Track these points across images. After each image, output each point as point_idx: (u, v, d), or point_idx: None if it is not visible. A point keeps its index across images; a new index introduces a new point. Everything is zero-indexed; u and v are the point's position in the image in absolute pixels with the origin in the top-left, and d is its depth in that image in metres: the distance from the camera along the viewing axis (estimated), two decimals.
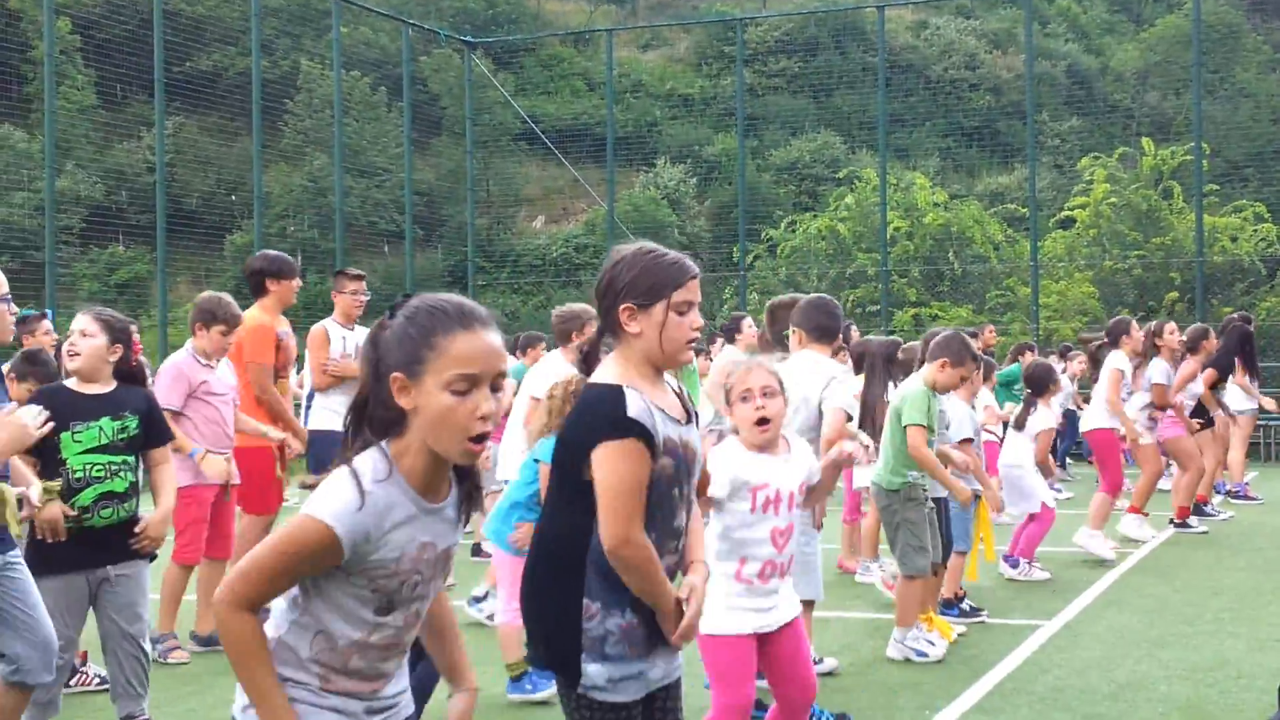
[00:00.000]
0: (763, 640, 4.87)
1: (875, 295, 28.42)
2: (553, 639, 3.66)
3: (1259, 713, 6.36)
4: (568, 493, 3.67)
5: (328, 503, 2.72)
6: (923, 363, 8.29)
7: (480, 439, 2.74)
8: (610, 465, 3.53)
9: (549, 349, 10.45)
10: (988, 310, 29.65)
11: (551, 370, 8.15)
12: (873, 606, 9.70)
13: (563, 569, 3.65)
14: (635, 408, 3.55)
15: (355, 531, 2.71)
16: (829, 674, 7.58)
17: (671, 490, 3.66)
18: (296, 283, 9.31)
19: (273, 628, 2.84)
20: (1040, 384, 11.09)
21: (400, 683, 2.98)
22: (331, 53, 27.33)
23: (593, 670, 3.59)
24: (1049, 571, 10.83)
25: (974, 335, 17.48)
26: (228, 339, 8.35)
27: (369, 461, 2.77)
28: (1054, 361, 15.65)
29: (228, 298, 8.52)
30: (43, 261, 21.49)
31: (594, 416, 3.60)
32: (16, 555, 5.48)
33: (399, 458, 2.80)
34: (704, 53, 46.58)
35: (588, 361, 3.85)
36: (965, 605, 9.21)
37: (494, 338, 2.78)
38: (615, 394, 3.58)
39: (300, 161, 35.78)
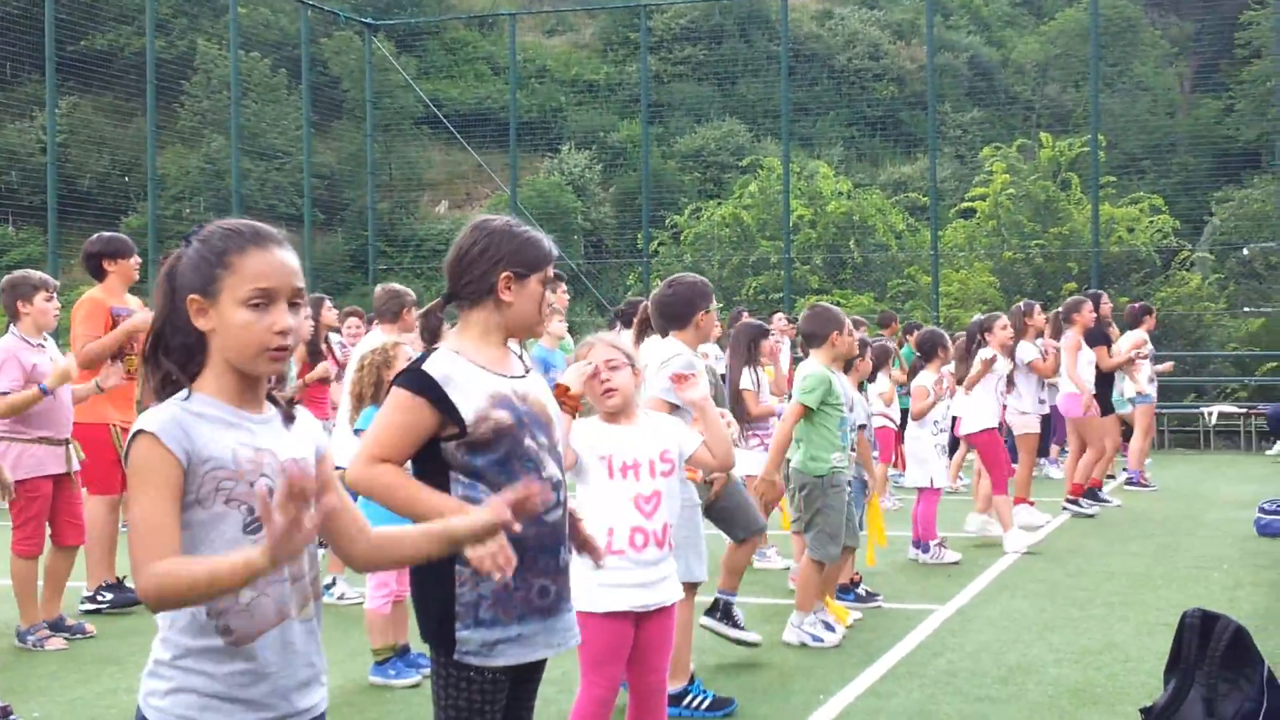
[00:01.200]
0: (636, 620, 4.79)
1: (778, 282, 28.50)
2: (430, 611, 3.71)
3: (1145, 694, 6.40)
4: (419, 463, 3.72)
5: (142, 419, 2.71)
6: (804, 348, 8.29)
7: (281, 350, 2.77)
8: (384, 407, 3.76)
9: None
10: (889, 298, 29.87)
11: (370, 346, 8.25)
12: (769, 591, 9.69)
13: None
14: (437, 366, 3.68)
15: (171, 430, 2.68)
16: (752, 644, 7.62)
17: (523, 441, 3.69)
18: (135, 261, 9.13)
19: (166, 622, 2.76)
20: (929, 348, 11.07)
21: (315, 693, 2.87)
22: (229, 33, 26.89)
23: (465, 635, 3.63)
24: (959, 553, 10.90)
25: (884, 325, 17.53)
26: (52, 302, 8.21)
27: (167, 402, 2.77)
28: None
29: (29, 270, 8.52)
30: None
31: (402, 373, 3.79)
32: None
33: (200, 389, 2.79)
34: (609, 39, 46.48)
35: (431, 329, 3.95)
36: (861, 590, 9.22)
37: (288, 255, 2.81)
38: (427, 353, 3.77)
39: (197, 143, 35.20)
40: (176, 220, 32.62)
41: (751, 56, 42.76)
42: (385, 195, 34.27)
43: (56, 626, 8.28)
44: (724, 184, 37.19)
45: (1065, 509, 13.57)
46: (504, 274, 3.76)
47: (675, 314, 6.77)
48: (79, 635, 8.30)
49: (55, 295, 8.26)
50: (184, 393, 2.76)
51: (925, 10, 29.23)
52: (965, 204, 31.80)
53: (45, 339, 8.21)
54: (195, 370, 2.79)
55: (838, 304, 29.19)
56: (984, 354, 11.80)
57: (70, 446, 8.18)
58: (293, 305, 2.79)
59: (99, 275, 9.03)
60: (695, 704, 6.47)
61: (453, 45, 44.85)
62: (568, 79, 44.12)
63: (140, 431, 2.68)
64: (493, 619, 3.64)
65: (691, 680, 6.53)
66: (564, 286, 12.41)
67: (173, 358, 2.79)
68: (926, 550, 10.85)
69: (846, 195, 32.30)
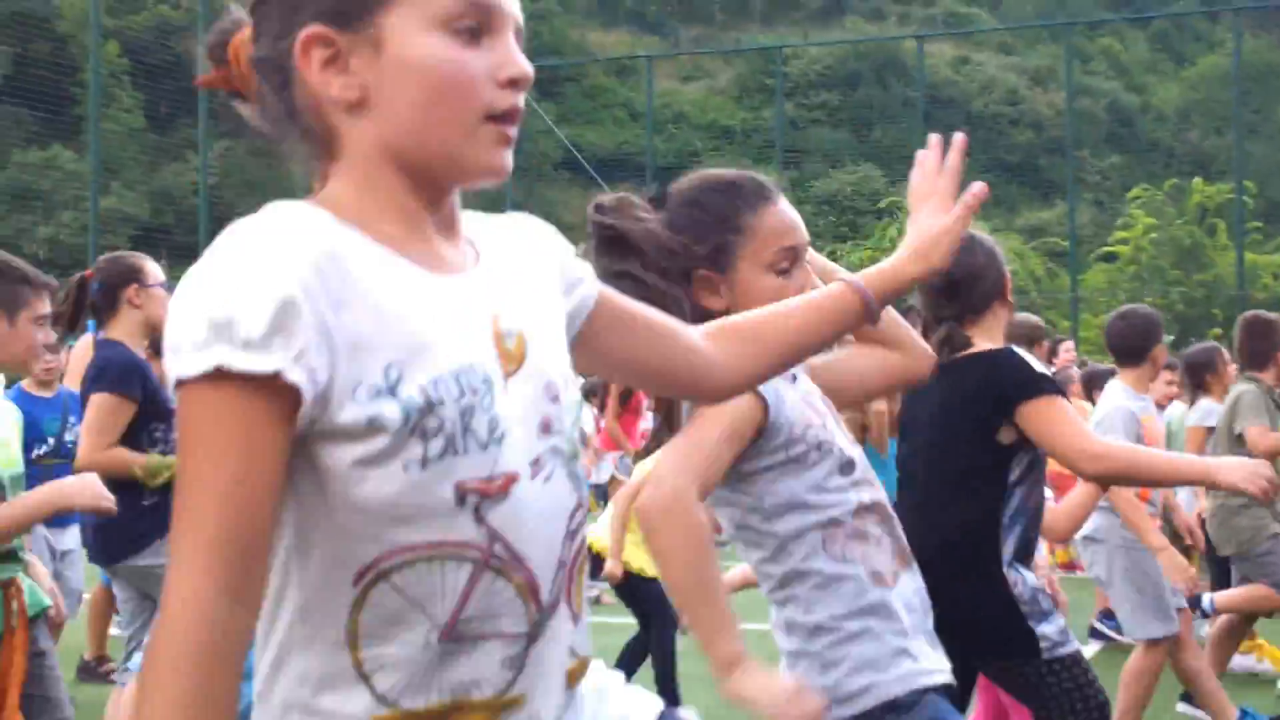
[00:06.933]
0: None
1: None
2: (994, 624, 3.45)
3: None
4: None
5: None
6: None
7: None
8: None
9: None
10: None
11: None
12: None
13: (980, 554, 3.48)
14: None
15: None
16: None
17: None
18: None
19: None
20: (1199, 373, 7.84)
21: None
22: None
23: (1043, 630, 3.41)
24: None
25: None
26: None
27: None
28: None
29: None
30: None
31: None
32: None
33: None
34: (745, 85, 46.89)
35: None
36: None
37: None
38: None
39: None
40: None
41: (887, 102, 42.85)
42: None
43: None
44: (859, 228, 37.20)
45: None
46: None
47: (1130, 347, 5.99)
48: None
49: None
50: None
51: (1063, 56, 29.07)
52: (1106, 249, 31.50)
53: None
54: None
55: None
56: None
57: None
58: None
59: None
60: None
61: (592, 91, 45.57)
62: (704, 124, 44.54)
63: None
64: (1051, 609, 3.45)
65: None
66: None
67: None
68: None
69: None
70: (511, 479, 1.43)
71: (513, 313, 1.50)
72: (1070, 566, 11.72)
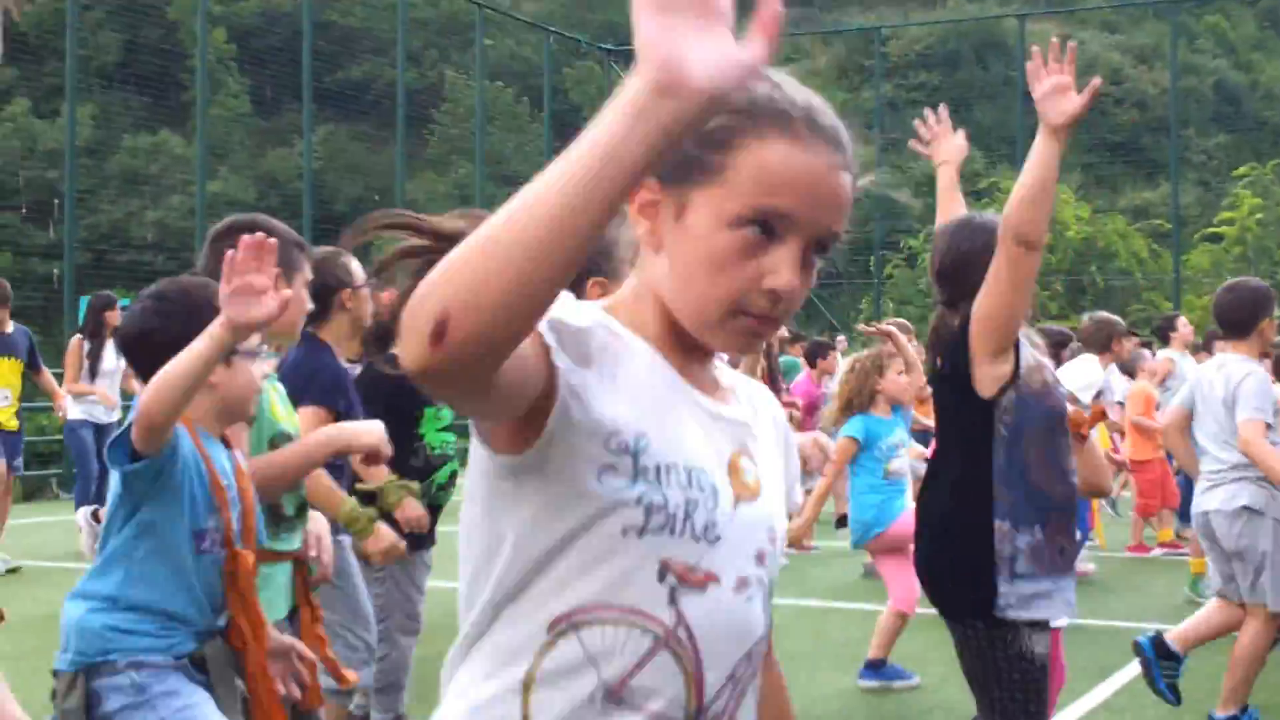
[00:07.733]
0: None
1: None
2: (963, 574, 3.60)
3: None
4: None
5: None
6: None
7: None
8: None
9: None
10: (1128, 325, 29.26)
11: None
12: None
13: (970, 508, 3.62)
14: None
15: None
16: None
17: None
18: None
19: None
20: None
21: None
22: (476, 64, 27.88)
23: (1005, 589, 3.53)
24: None
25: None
26: None
27: None
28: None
29: None
30: (193, 262, 22.26)
31: None
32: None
33: None
34: (843, 66, 46.63)
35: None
36: None
37: None
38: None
39: (445, 169, 36.45)
40: None
41: (987, 82, 42.42)
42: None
43: None
44: None
45: None
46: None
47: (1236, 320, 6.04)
48: None
49: None
50: None
51: (1169, 34, 28.68)
52: (1211, 229, 31.03)
53: None
54: None
55: (1074, 329, 28.83)
56: None
57: None
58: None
59: None
60: None
61: None
62: None
63: None
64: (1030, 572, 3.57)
65: (1244, 710, 5.87)
66: None
67: None
68: None
69: (1086, 220, 31.81)
70: (712, 578, 1.57)
71: (756, 457, 1.68)
72: (1173, 545, 11.64)
